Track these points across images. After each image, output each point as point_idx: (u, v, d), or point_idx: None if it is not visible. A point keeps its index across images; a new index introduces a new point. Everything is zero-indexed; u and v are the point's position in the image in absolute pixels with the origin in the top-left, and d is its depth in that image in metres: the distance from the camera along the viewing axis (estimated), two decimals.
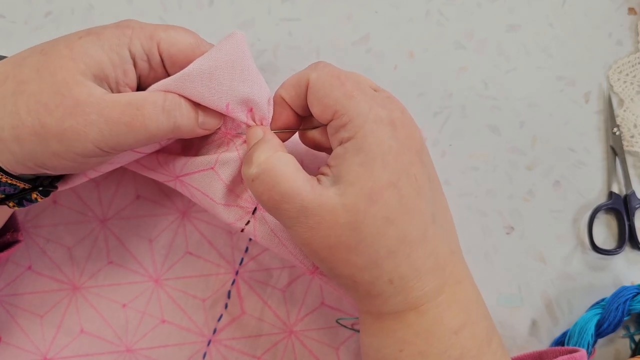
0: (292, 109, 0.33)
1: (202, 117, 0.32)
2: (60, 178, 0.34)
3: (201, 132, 0.32)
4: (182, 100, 0.31)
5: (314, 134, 0.33)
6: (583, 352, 0.35)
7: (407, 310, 0.30)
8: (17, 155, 0.29)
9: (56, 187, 0.33)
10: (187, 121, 0.31)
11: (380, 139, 0.29)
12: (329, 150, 0.33)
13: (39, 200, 0.33)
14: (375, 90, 0.31)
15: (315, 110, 0.31)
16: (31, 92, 0.28)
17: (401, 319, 0.30)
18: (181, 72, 0.30)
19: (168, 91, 0.31)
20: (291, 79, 0.32)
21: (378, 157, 0.29)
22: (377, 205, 0.28)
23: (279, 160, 0.29)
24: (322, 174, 0.30)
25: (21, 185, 0.31)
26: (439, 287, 0.30)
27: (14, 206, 0.32)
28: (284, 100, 0.32)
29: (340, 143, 0.30)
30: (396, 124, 0.30)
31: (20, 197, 0.32)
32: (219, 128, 0.33)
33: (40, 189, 0.32)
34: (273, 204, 0.29)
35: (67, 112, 0.28)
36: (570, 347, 0.36)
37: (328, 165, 0.30)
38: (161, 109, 0.30)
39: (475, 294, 0.32)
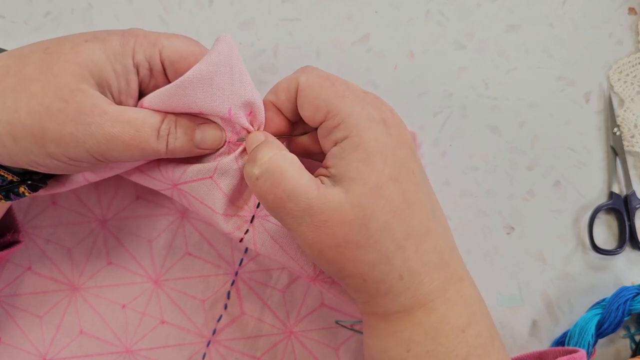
0: (282, 114, 0.33)
1: (199, 135, 0.32)
2: (52, 176, 0.34)
3: (199, 152, 0.32)
4: (178, 124, 0.31)
5: (304, 140, 0.34)
6: (582, 352, 0.35)
7: (416, 307, 0.30)
8: (11, 151, 0.29)
9: (46, 184, 0.33)
10: (181, 145, 0.31)
11: (376, 135, 0.29)
12: (318, 155, 0.33)
13: (27, 194, 0.32)
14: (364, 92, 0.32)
15: (306, 113, 0.31)
16: (33, 93, 0.28)
17: (409, 317, 0.30)
18: (181, 78, 0.30)
19: (167, 111, 0.31)
20: (280, 84, 0.32)
21: (377, 153, 0.29)
22: (383, 199, 0.28)
23: (283, 159, 0.29)
24: (321, 175, 0.30)
25: (9, 177, 0.31)
26: (445, 283, 0.30)
27: (0, 199, 0.32)
28: (274, 105, 0.32)
29: (335, 143, 0.30)
30: (388, 122, 0.30)
31: (7, 190, 0.32)
32: None
33: (29, 182, 0.32)
34: (278, 202, 0.29)
35: (69, 119, 0.28)
36: (570, 348, 0.36)
37: (325, 167, 0.30)
38: (156, 134, 0.30)
39: (476, 292, 0.32)
